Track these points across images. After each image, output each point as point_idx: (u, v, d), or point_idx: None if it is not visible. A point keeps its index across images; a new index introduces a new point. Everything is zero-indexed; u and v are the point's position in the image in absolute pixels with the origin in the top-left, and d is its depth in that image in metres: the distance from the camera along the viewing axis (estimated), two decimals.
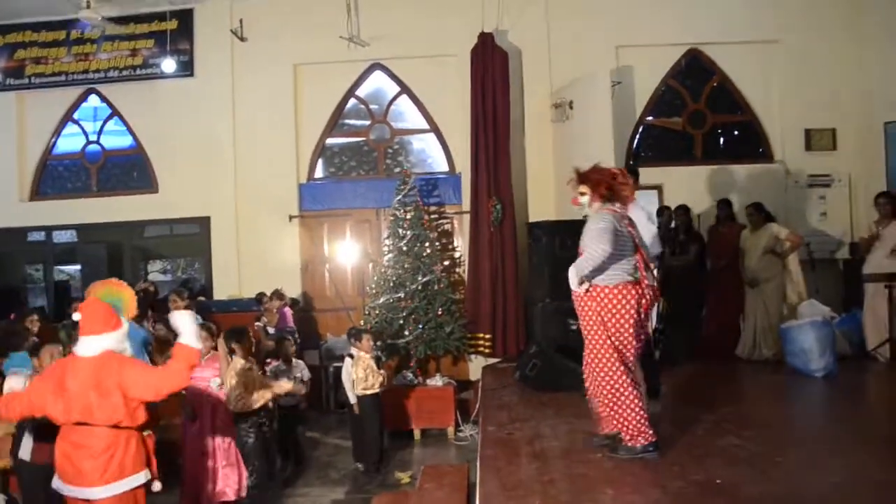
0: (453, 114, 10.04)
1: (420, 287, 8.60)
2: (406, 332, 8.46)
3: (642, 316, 4.42)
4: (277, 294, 8.90)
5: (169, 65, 10.73)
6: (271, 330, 8.41)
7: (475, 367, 9.26)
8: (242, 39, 10.52)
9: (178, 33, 10.84)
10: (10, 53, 11.24)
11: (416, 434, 8.02)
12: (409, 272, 8.67)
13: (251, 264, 10.37)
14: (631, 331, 4.35)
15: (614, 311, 4.32)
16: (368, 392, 6.92)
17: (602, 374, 4.37)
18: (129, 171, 11.51)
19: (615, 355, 4.31)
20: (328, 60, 10.38)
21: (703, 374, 7.48)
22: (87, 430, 3.60)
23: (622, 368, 4.31)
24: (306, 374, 7.49)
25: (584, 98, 9.24)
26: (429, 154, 10.62)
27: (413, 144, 10.71)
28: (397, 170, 10.30)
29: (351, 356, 7.21)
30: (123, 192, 11.29)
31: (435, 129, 10.41)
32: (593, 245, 4.30)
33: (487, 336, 8.96)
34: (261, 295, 9.13)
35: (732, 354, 8.15)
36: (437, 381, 8.27)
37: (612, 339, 4.33)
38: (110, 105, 11.35)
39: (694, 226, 8.86)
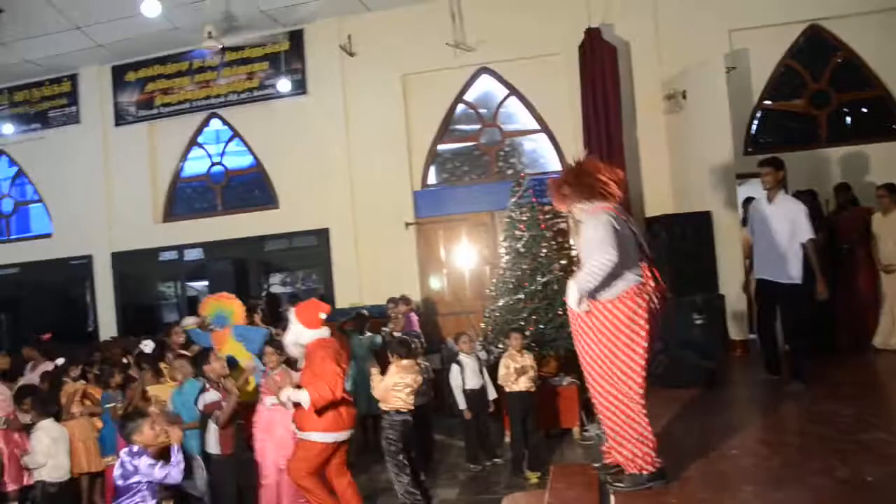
0: (563, 112, 10.30)
1: (539, 287, 8.85)
2: (527, 333, 8.72)
3: (654, 323, 4.02)
4: (404, 300, 9.37)
5: (283, 85, 11.56)
6: (397, 335, 8.93)
7: None
8: (351, 54, 11.19)
9: (290, 54, 11.67)
10: (141, 87, 12.44)
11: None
12: (527, 273, 8.92)
13: (370, 272, 11.00)
14: (644, 344, 3.94)
15: (628, 321, 3.92)
16: (515, 389, 7.14)
17: (611, 400, 4.02)
18: (250, 188, 12.45)
19: (635, 370, 3.93)
20: (435, 68, 10.90)
21: (839, 367, 7.32)
22: None
23: (634, 391, 3.94)
24: (431, 376, 7.98)
25: (698, 86, 9.29)
26: (540, 154, 10.92)
27: (524, 145, 11.04)
28: (510, 172, 10.66)
29: (458, 363, 7.62)
30: (246, 210, 12.21)
31: (545, 128, 10.70)
32: (596, 255, 3.87)
33: None
34: (390, 300, 9.62)
35: (867, 344, 8.00)
36: (560, 379, 8.50)
37: (624, 357, 3.92)
38: (231, 127, 12.34)
39: (822, 211, 8.75)
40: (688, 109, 9.50)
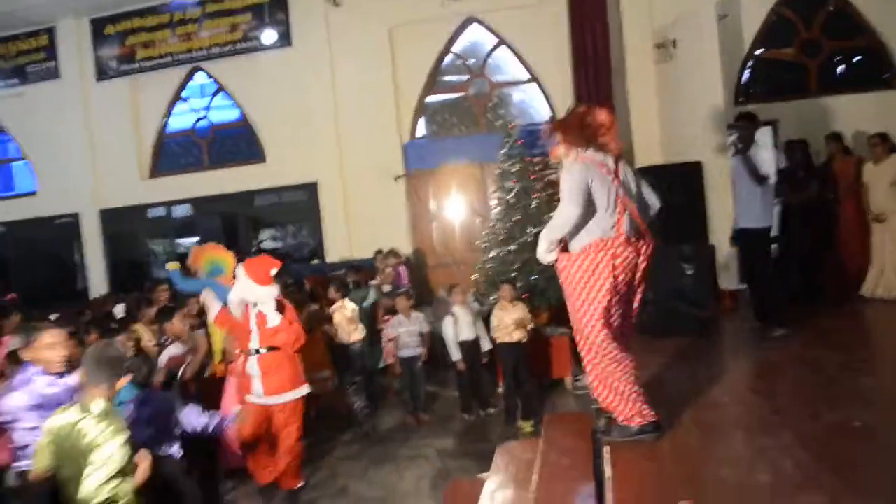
0: (552, 62, 10.23)
1: (530, 239, 8.87)
2: (519, 285, 8.78)
3: (628, 276, 3.94)
4: (393, 253, 9.43)
5: (268, 36, 11.39)
6: (387, 288, 9.01)
7: None
8: (337, 4, 11.02)
9: (273, 5, 11.47)
10: (121, 41, 12.22)
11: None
12: (518, 225, 8.97)
13: (360, 226, 11.02)
14: (609, 297, 3.87)
15: (588, 275, 3.90)
16: (506, 340, 7.22)
17: (585, 349, 4.04)
18: (237, 143, 12.35)
19: (595, 326, 3.89)
20: (423, 19, 10.77)
21: (828, 315, 7.37)
22: None
23: (601, 346, 3.91)
24: (425, 328, 8.06)
25: (689, 35, 9.21)
26: (530, 104, 10.88)
27: (513, 96, 11.00)
28: (499, 123, 10.53)
29: (452, 314, 7.68)
30: (234, 164, 12.13)
31: (535, 78, 10.64)
32: (560, 208, 3.92)
33: None
34: (377, 253, 9.67)
35: (857, 294, 8.09)
36: (553, 330, 8.59)
37: (591, 306, 3.88)
38: (215, 81, 12.17)
39: (813, 161, 8.78)
40: (678, 58, 9.43)
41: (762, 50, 10.10)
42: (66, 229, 13.05)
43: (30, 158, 13.37)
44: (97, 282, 12.80)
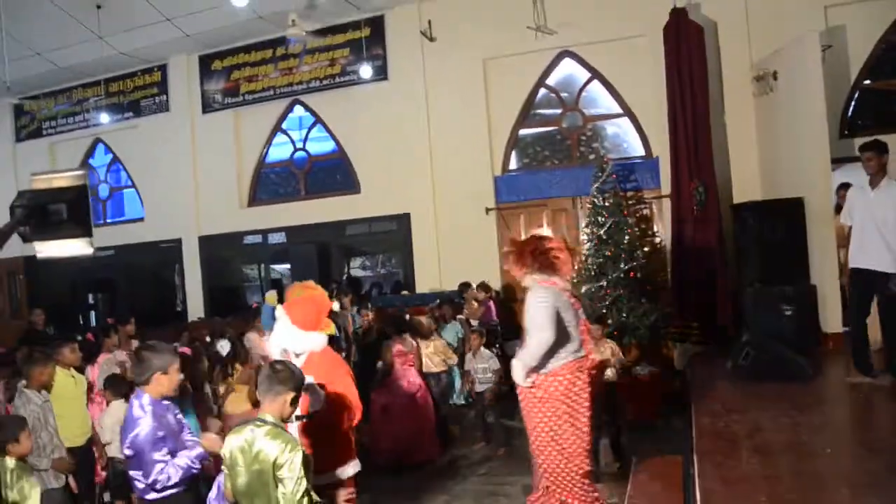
0: (647, 96, 10.15)
1: (622, 275, 8.84)
2: (609, 321, 8.72)
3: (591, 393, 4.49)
4: (484, 287, 9.50)
5: (365, 71, 11.77)
6: (475, 322, 9.06)
7: (681, 354, 9.37)
8: (432, 39, 11.29)
9: (371, 40, 11.84)
10: (227, 75, 12.91)
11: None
12: (610, 260, 8.93)
13: (451, 258, 11.15)
14: (587, 413, 4.43)
15: (567, 395, 4.36)
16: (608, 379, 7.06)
17: (552, 468, 4.49)
18: (332, 174, 12.76)
19: (567, 445, 4.43)
20: (516, 52, 10.91)
21: None
22: None
23: (574, 462, 4.45)
24: (493, 365, 8.09)
25: (790, 67, 8.98)
26: (623, 139, 10.81)
27: (607, 130, 10.95)
28: (592, 157, 10.59)
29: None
30: (328, 195, 12.52)
31: (629, 112, 10.58)
32: (534, 334, 4.30)
33: (694, 324, 9.04)
34: (463, 286, 9.73)
35: None
36: (642, 369, 8.47)
37: (566, 426, 4.40)
38: (313, 113, 12.66)
39: None
40: (779, 91, 9.21)
41: (870, 80, 9.74)
42: (168, 254, 13.77)
43: (139, 186, 14.19)
44: (194, 305, 13.37)
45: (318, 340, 4.53)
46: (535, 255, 4.54)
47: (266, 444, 3.33)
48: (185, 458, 3.76)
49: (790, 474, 4.14)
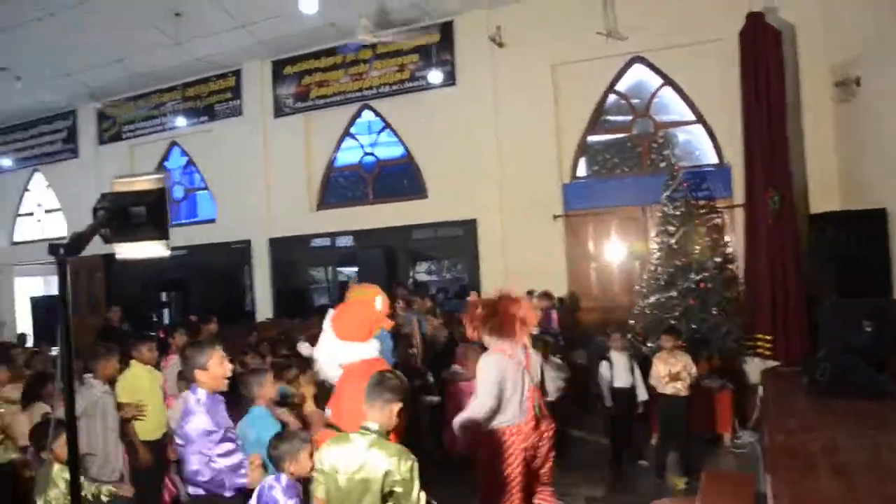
0: (721, 102, 10.00)
1: (692, 286, 8.72)
2: (679, 333, 8.60)
3: (532, 455, 4.72)
4: (546, 295, 9.50)
5: (433, 76, 11.92)
6: (535, 330, 9.06)
7: (752, 369, 9.18)
8: (501, 45, 11.35)
9: (440, 46, 12.00)
10: (298, 80, 13.25)
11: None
12: (680, 270, 8.82)
13: (517, 264, 11.17)
14: (516, 478, 4.60)
15: (495, 456, 4.60)
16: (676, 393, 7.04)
17: None
18: (400, 179, 12.94)
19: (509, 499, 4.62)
20: (586, 58, 10.89)
21: None
22: None
23: None
24: (563, 373, 8.06)
25: (875, 71, 8.72)
26: (695, 146, 10.67)
27: (678, 137, 10.82)
28: (662, 164, 10.47)
29: (608, 359, 7.61)
30: (396, 199, 12.70)
31: (701, 119, 10.44)
32: (479, 398, 4.62)
33: (767, 337, 8.84)
34: (527, 294, 9.73)
35: None
36: (712, 382, 8.35)
37: (505, 482, 4.60)
38: (382, 118, 12.87)
39: None
40: (862, 97, 8.95)
41: None
42: (239, 255, 14.17)
43: (212, 188, 14.66)
44: (263, 306, 13.73)
45: (363, 351, 4.40)
46: (486, 319, 4.79)
47: (374, 454, 3.32)
48: (224, 464, 3.91)
49: (870, 497, 3.97)
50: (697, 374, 7.18)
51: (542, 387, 7.37)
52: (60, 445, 3.89)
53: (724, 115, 10.03)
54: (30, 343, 11.95)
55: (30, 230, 17.72)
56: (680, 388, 6.98)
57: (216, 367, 4.10)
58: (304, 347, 7.90)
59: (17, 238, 17.78)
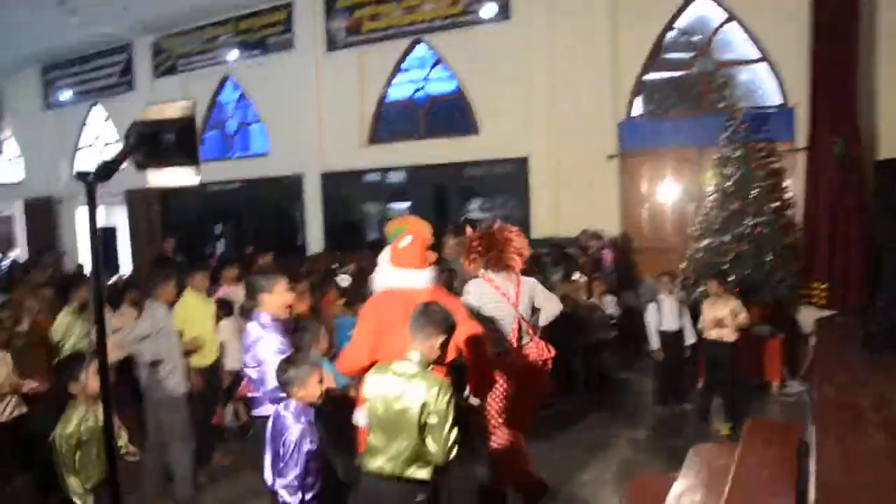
0: (788, 39, 9.54)
1: (747, 230, 8.52)
2: (731, 278, 8.47)
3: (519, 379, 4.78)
4: (595, 235, 9.41)
5: (487, 10, 11.65)
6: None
7: (806, 318, 8.98)
8: None
9: None
10: (350, 13, 13.15)
11: None
12: (735, 214, 8.60)
13: (568, 204, 11.06)
14: (501, 404, 4.74)
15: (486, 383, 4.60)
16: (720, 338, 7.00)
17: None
18: (452, 114, 12.80)
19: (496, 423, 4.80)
20: None
21: None
22: None
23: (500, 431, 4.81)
24: (616, 312, 8.05)
25: None
26: (758, 86, 10.24)
27: (741, 76, 10.39)
28: (722, 105, 10.06)
29: (657, 301, 7.58)
30: (448, 135, 12.60)
31: (766, 57, 9.99)
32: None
33: (823, 286, 8.64)
34: (583, 233, 9.66)
35: None
36: (763, 329, 8.23)
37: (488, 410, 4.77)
38: (435, 52, 12.68)
39: None
40: None
41: None
42: (291, 189, 14.31)
43: (265, 122, 14.76)
44: (314, 240, 13.92)
45: (419, 278, 4.28)
46: (484, 251, 4.87)
47: (414, 385, 3.35)
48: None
49: None
50: (744, 322, 7.06)
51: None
52: (92, 375, 3.77)
53: (790, 53, 9.57)
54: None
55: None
56: (725, 333, 6.92)
57: (281, 293, 4.32)
58: (343, 280, 8.08)
59: (78, 170, 18.20)
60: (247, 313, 5.23)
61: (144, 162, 2.42)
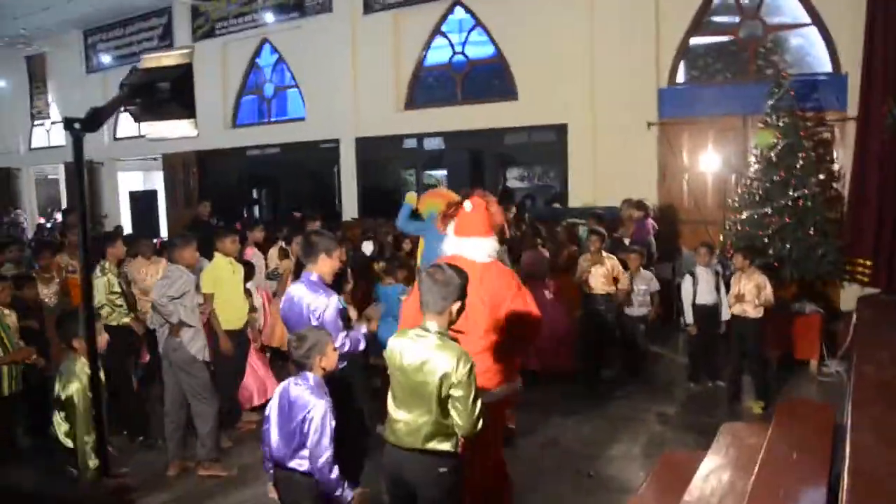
0: (841, 3, 9.15)
1: (790, 203, 8.25)
2: (770, 252, 8.25)
3: None
4: (637, 204, 9.20)
5: None
6: (626, 241, 8.87)
7: (848, 295, 8.75)
8: None
9: None
10: None
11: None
12: (778, 186, 8.32)
13: (607, 172, 10.84)
14: None
15: None
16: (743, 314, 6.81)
17: None
18: (490, 79, 12.61)
19: None
20: None
21: None
22: None
23: None
24: (654, 286, 7.88)
25: None
26: (808, 51, 9.83)
27: (790, 41, 9.99)
28: (769, 71, 9.72)
29: (692, 274, 7.40)
30: (486, 101, 12.42)
31: (817, 21, 9.58)
32: None
33: (868, 262, 8.37)
34: (625, 203, 9.43)
35: None
36: (802, 307, 8.02)
37: None
38: (474, 16, 12.47)
39: None
40: None
41: None
42: (327, 154, 14.30)
43: (301, 86, 14.72)
44: (349, 205, 13.91)
45: (484, 245, 4.30)
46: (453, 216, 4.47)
47: (434, 355, 3.24)
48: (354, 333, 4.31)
49: None
50: (783, 296, 6.86)
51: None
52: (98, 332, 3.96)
53: (844, 18, 9.16)
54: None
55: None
56: (747, 308, 6.74)
57: (338, 258, 4.44)
58: (367, 246, 8.06)
59: (119, 134, 18.43)
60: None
61: (140, 114, 2.34)
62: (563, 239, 8.23)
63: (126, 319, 6.51)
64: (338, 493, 3.53)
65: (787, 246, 8.13)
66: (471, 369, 3.22)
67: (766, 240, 8.23)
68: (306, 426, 3.52)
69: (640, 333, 7.80)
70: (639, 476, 5.25)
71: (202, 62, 15.56)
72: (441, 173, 13.76)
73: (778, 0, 9.95)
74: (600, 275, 7.43)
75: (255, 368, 6.99)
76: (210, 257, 6.53)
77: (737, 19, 10.26)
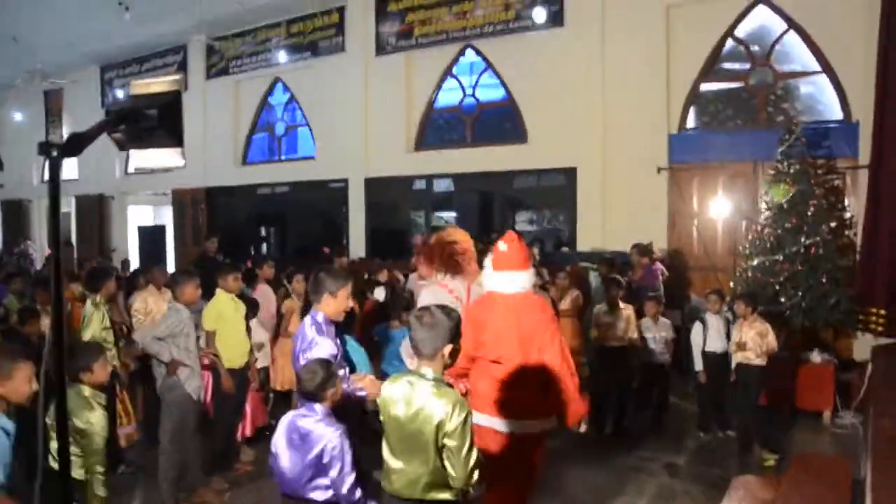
0: (853, 50, 9.17)
1: (802, 250, 8.17)
2: (782, 300, 8.15)
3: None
4: (642, 249, 9.14)
5: (540, 16, 11.48)
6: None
7: (862, 345, 8.62)
8: None
9: None
10: (402, 18, 13.12)
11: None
12: (789, 233, 8.25)
13: (616, 217, 10.81)
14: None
15: None
16: (746, 361, 6.77)
17: None
18: (501, 122, 12.66)
19: None
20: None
21: None
22: None
23: None
24: (669, 335, 7.76)
25: None
26: (819, 99, 9.84)
27: (800, 89, 10.01)
28: (779, 118, 9.75)
29: (702, 321, 7.30)
30: (495, 143, 12.45)
31: (828, 69, 9.61)
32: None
33: (882, 311, 8.24)
34: (635, 248, 9.36)
35: None
36: (814, 356, 7.89)
37: None
38: (485, 59, 12.58)
39: None
40: None
41: None
42: (336, 193, 14.33)
43: (312, 125, 14.84)
44: (357, 245, 13.90)
45: (522, 279, 4.35)
46: (436, 256, 5.03)
47: (429, 402, 3.12)
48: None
49: None
50: (792, 345, 6.77)
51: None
52: (100, 366, 4.25)
53: (855, 66, 9.19)
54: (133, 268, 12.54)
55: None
56: (749, 356, 6.67)
57: (344, 298, 4.24)
58: (379, 292, 7.95)
59: (130, 169, 18.58)
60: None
61: (126, 141, 2.29)
62: (565, 285, 8.13)
63: (115, 363, 6.27)
64: None
65: (799, 294, 8.02)
66: (466, 418, 3.09)
67: (777, 287, 8.13)
68: (326, 458, 3.49)
69: (655, 385, 7.69)
70: None
71: (215, 99, 15.87)
72: (451, 215, 13.74)
73: (788, 47, 9.99)
74: (620, 328, 7.35)
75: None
76: (213, 294, 6.48)
77: (747, 66, 10.30)
